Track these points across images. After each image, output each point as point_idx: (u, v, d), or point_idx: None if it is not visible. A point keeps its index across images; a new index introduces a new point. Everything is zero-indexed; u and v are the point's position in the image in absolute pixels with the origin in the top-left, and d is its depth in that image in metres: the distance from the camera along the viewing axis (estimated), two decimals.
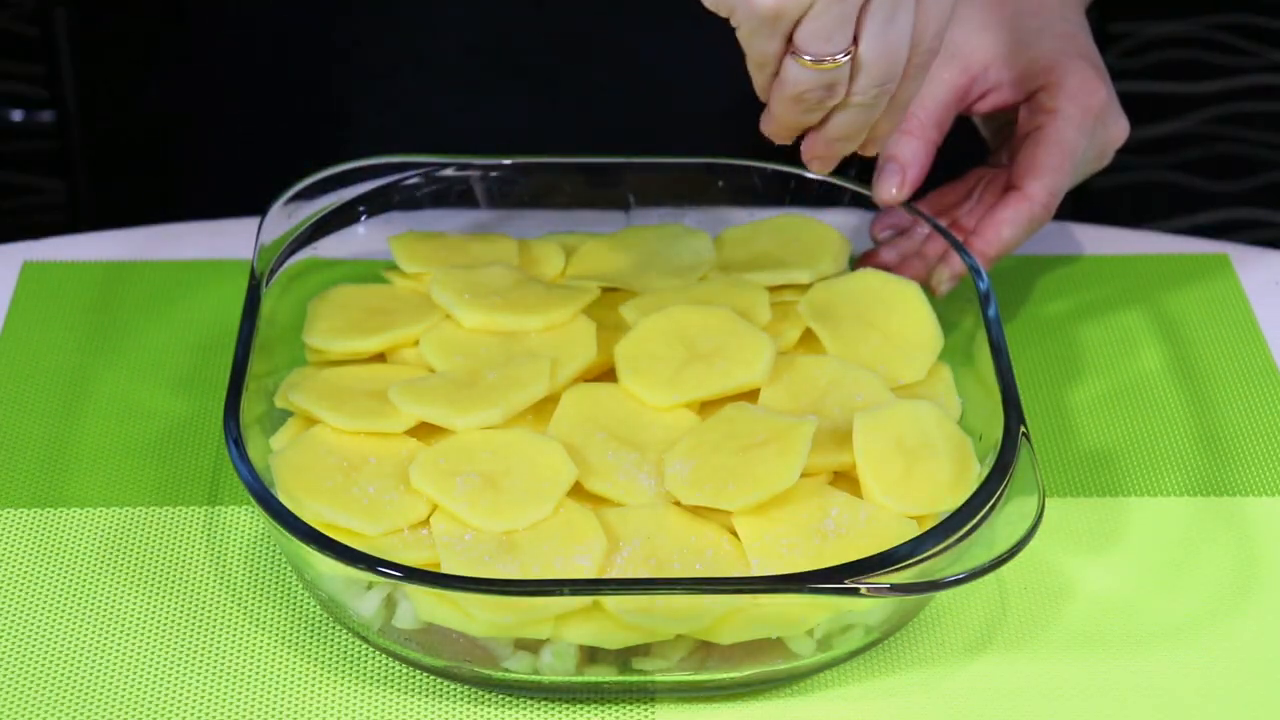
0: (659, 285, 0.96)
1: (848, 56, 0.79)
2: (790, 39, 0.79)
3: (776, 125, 0.84)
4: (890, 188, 0.92)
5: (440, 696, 0.83)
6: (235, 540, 0.90)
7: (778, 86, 0.81)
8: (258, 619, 0.86)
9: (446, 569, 0.81)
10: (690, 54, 1.10)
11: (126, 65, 1.32)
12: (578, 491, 0.85)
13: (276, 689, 0.83)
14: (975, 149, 1.02)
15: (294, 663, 0.84)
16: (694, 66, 1.10)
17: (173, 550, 0.89)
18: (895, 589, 0.78)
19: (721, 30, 0.81)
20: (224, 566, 0.88)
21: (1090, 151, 0.94)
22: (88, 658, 0.84)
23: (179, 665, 0.83)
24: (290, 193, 0.96)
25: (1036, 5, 0.96)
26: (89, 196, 1.48)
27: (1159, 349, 1.01)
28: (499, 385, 0.89)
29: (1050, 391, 0.98)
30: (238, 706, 0.82)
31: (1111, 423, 0.97)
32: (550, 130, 1.12)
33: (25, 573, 0.88)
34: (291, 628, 0.85)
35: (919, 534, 0.81)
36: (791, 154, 0.89)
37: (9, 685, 0.82)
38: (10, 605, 0.86)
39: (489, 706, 0.82)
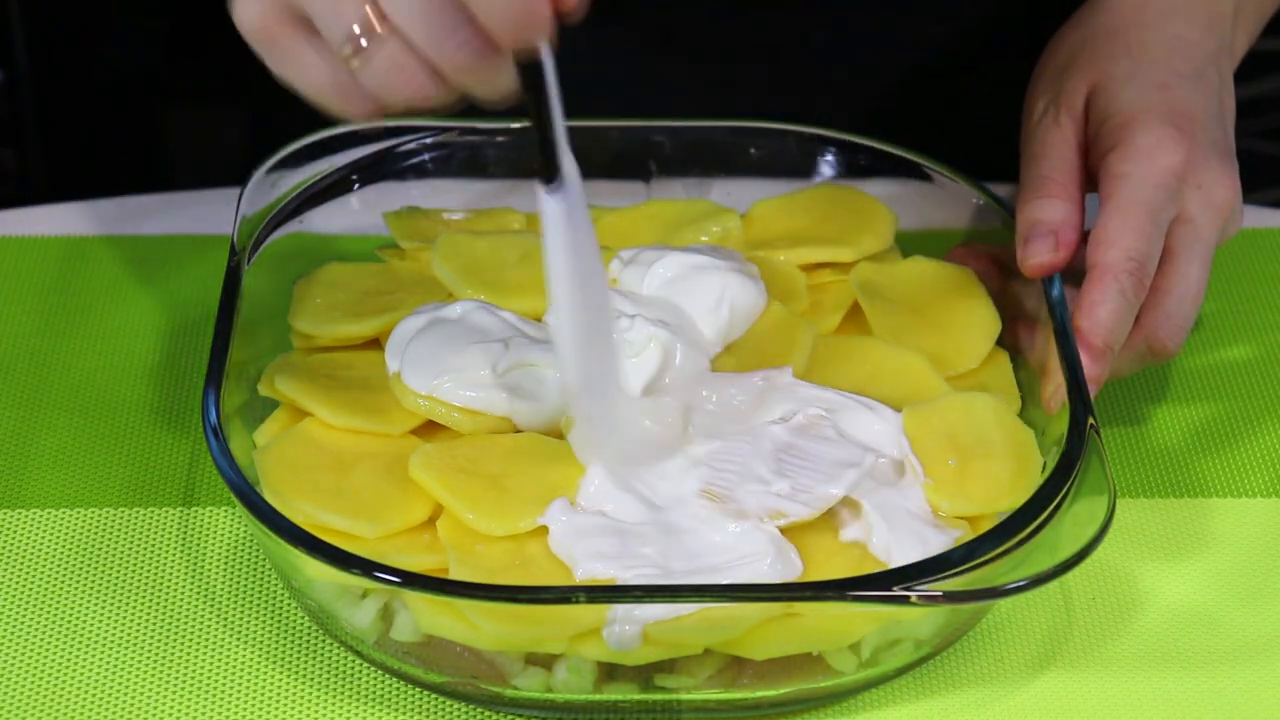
0: None
1: None
2: None
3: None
4: (1044, 252, 0.92)
5: (442, 716, 0.84)
6: (214, 544, 0.92)
7: None
8: (239, 631, 0.88)
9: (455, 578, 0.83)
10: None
11: (82, 20, 1.33)
12: None
13: (260, 708, 0.84)
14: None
15: (280, 679, 0.86)
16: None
17: (145, 556, 0.91)
18: (948, 597, 0.80)
19: None
20: (202, 573, 0.90)
21: (1179, 211, 0.94)
22: (51, 675, 0.86)
23: (152, 683, 0.85)
24: (274, 159, 0.98)
25: (1135, 46, 0.98)
26: (41, 165, 1.50)
27: (1244, 335, 1.03)
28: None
29: (1122, 382, 1.00)
30: None
31: (1190, 416, 0.99)
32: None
33: None
34: (277, 641, 0.87)
35: (974, 537, 0.83)
36: None
37: None
38: None
39: None
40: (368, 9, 0.77)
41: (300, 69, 0.81)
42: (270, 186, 0.98)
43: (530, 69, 0.79)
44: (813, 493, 0.85)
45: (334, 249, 0.99)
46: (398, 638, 0.83)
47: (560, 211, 0.82)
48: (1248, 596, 0.89)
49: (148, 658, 0.86)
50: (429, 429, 0.90)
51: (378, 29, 0.77)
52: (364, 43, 0.78)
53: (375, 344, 0.94)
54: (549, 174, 0.82)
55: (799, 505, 0.84)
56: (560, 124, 0.81)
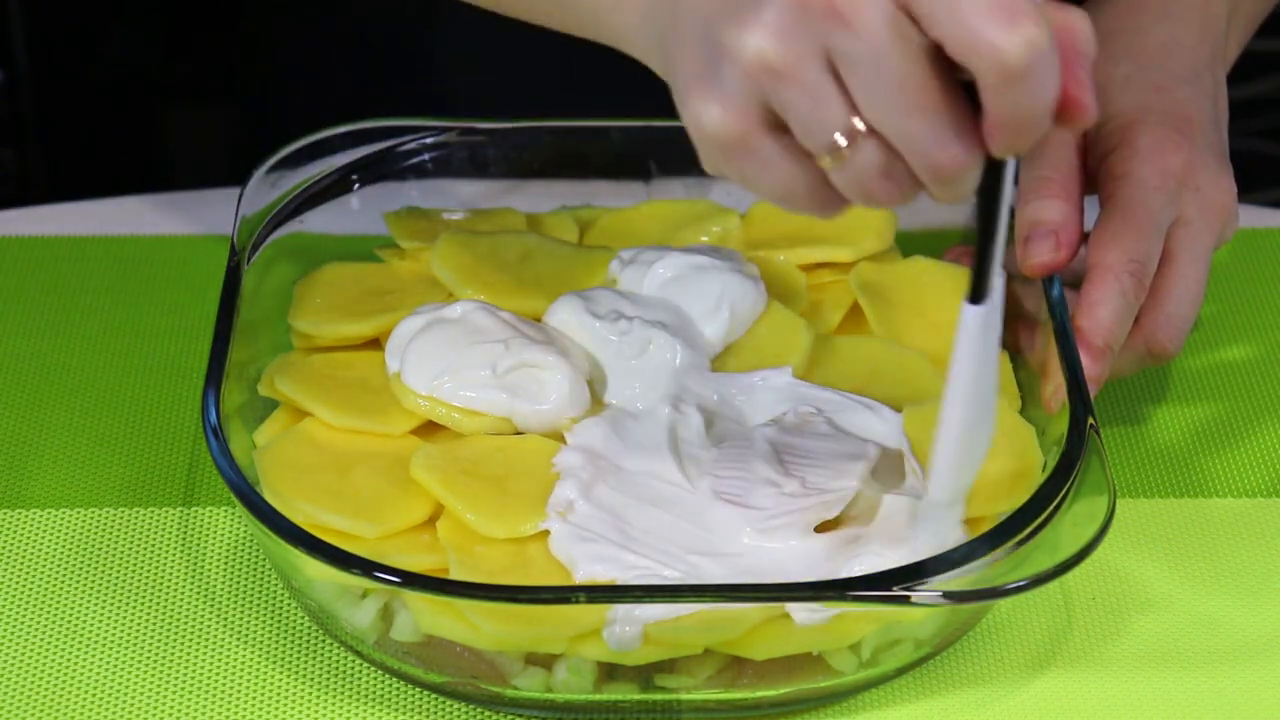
0: None
1: None
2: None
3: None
4: (1045, 252, 0.92)
5: (441, 716, 0.85)
6: (214, 544, 0.92)
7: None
8: (239, 631, 0.88)
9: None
10: None
11: (82, 20, 1.33)
12: None
13: (260, 708, 0.84)
14: None
15: (280, 679, 0.86)
16: None
17: (145, 556, 0.91)
18: (948, 597, 0.80)
19: None
20: (202, 573, 0.90)
21: (1178, 214, 0.94)
22: (51, 675, 0.86)
23: (152, 683, 0.85)
24: (274, 159, 0.98)
25: (1135, 48, 0.98)
26: (41, 165, 1.50)
27: (1244, 334, 1.03)
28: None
29: (1122, 382, 1.00)
30: None
31: (1191, 415, 0.99)
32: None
33: None
34: (277, 641, 0.87)
35: (975, 537, 0.83)
36: None
37: None
38: None
39: None
40: (852, 115, 0.73)
41: (770, 174, 0.76)
42: (270, 186, 0.98)
43: (995, 176, 0.74)
44: (828, 489, 0.84)
45: (334, 249, 1.00)
46: (398, 638, 0.83)
47: (978, 326, 0.78)
48: (1248, 596, 0.89)
49: (148, 658, 0.86)
50: (429, 429, 0.90)
51: (861, 130, 0.73)
52: (844, 145, 0.74)
53: (375, 344, 0.94)
54: (980, 288, 0.77)
55: (817, 504, 0.84)
56: (1003, 237, 0.76)
